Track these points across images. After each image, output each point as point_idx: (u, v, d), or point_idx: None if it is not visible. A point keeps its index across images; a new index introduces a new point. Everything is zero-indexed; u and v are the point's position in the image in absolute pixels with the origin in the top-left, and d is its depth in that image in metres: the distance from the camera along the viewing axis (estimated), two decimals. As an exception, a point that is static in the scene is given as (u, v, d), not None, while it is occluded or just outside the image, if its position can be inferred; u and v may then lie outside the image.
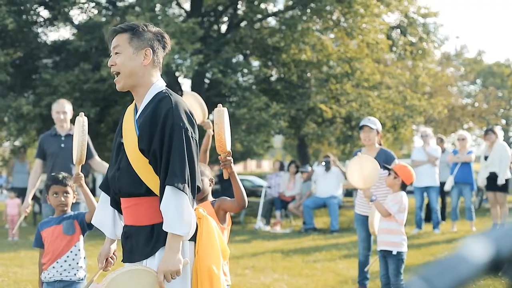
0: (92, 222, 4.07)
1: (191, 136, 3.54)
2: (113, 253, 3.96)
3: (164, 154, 3.46)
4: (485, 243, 1.17)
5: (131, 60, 3.60)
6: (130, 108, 3.79)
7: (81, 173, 4.95)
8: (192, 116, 3.65)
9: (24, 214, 8.26)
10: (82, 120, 4.58)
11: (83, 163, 4.79)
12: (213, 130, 4.26)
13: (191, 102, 6.03)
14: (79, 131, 4.59)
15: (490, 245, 1.17)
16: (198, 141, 3.65)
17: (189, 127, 3.55)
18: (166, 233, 3.45)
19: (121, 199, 3.69)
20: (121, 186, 3.62)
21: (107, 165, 8.34)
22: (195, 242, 3.62)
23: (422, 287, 1.11)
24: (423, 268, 1.16)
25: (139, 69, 3.62)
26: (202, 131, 5.55)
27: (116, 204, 3.80)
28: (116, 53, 3.62)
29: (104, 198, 3.87)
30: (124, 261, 3.71)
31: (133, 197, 3.59)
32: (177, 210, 3.38)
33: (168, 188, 3.40)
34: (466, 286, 1.14)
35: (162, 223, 3.47)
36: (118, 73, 3.62)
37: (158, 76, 3.73)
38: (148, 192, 3.54)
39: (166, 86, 3.75)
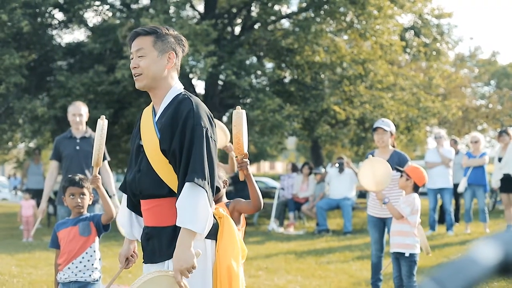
0: (116, 220, 4.12)
1: (211, 137, 3.57)
2: (133, 252, 4.00)
3: (185, 153, 3.47)
4: (495, 245, 1.20)
5: (155, 64, 3.62)
6: (148, 111, 3.81)
7: (98, 175, 4.99)
8: (212, 118, 3.68)
9: (41, 216, 8.32)
10: (102, 123, 4.61)
11: (100, 165, 4.83)
12: (231, 132, 4.27)
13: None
14: (98, 134, 4.63)
15: (499, 248, 1.19)
16: (216, 142, 3.68)
17: (210, 128, 3.58)
18: None
19: (142, 201, 3.71)
20: (142, 187, 3.64)
21: (111, 174, 8.37)
22: (216, 241, 3.64)
23: (433, 288, 1.13)
24: (435, 270, 1.18)
25: (162, 72, 3.64)
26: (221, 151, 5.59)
27: (133, 206, 3.84)
28: (140, 56, 3.63)
29: (125, 199, 3.92)
30: (145, 262, 3.73)
31: (154, 198, 3.61)
32: (194, 206, 3.39)
33: (187, 184, 3.40)
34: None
35: None
36: (139, 75, 3.64)
37: (176, 79, 3.77)
38: (170, 193, 3.55)
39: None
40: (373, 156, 7.77)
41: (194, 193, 3.40)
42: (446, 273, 1.15)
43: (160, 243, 3.60)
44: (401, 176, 6.72)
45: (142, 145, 3.69)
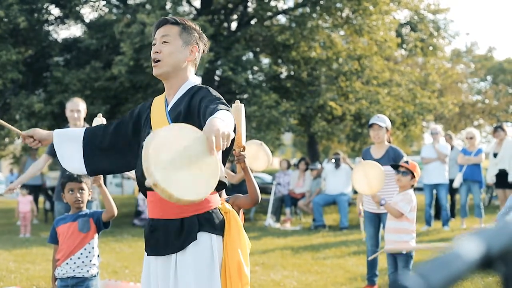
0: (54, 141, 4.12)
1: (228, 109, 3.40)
2: (39, 141, 4.11)
3: (203, 107, 3.39)
4: (477, 241, 1.24)
5: (178, 53, 3.65)
6: (160, 100, 3.82)
7: (99, 173, 5.01)
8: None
9: (6, 193, 8.21)
10: (100, 120, 4.64)
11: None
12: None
13: (257, 151, 6.04)
14: None
15: (482, 243, 1.24)
16: None
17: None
18: (197, 227, 3.47)
19: (148, 192, 3.63)
20: None
21: None
22: (223, 237, 3.61)
23: (418, 282, 1.17)
24: (420, 264, 1.23)
25: (182, 63, 3.68)
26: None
27: (91, 148, 3.96)
28: (164, 42, 3.66)
29: (76, 138, 4.03)
30: (148, 254, 3.66)
31: None
32: (227, 118, 3.11)
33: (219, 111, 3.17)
34: (460, 282, 1.20)
35: (192, 216, 3.48)
36: (159, 61, 3.66)
37: (194, 73, 3.80)
38: None
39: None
40: (368, 152, 7.85)
41: (225, 112, 3.19)
42: (430, 268, 1.19)
43: (166, 236, 3.54)
44: (399, 172, 6.67)
45: None
